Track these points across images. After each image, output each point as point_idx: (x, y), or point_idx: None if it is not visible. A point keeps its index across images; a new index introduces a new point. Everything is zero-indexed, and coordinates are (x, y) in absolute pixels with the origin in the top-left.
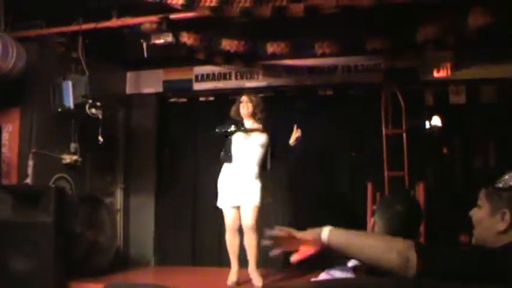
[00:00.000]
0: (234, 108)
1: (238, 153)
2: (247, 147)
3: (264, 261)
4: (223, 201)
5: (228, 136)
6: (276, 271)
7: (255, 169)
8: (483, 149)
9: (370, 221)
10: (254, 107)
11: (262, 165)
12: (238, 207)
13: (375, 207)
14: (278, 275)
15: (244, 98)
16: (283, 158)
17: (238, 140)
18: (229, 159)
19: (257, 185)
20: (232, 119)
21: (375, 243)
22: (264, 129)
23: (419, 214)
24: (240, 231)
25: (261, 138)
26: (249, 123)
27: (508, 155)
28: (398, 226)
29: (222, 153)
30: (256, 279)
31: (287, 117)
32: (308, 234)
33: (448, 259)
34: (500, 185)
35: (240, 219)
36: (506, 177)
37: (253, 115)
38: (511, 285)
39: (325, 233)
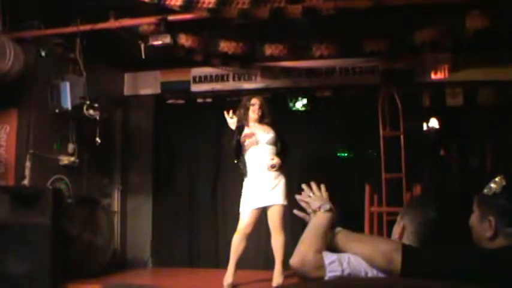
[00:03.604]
0: (242, 110)
1: (252, 159)
2: (257, 150)
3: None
4: (247, 204)
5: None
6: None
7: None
8: (480, 151)
9: (399, 225)
10: (264, 112)
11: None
12: (260, 210)
13: (373, 208)
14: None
15: (255, 102)
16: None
17: (248, 149)
18: (245, 173)
19: (280, 181)
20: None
21: (363, 247)
22: (272, 128)
23: (452, 221)
24: (249, 236)
25: (267, 136)
26: (254, 125)
27: (504, 157)
28: (430, 233)
29: (238, 163)
30: (276, 280)
31: (285, 119)
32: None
33: (434, 261)
34: (486, 192)
35: (254, 225)
36: (492, 184)
37: (261, 119)
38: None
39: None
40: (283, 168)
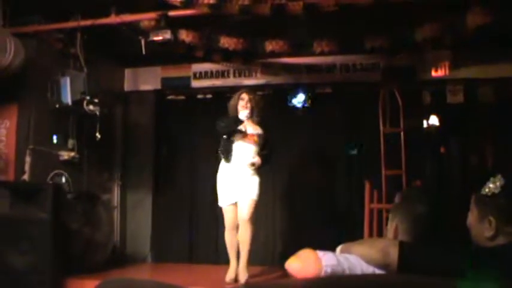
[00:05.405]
0: (232, 103)
1: (235, 152)
2: (242, 146)
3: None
4: (223, 200)
5: (229, 135)
6: (271, 268)
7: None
8: (480, 148)
9: (392, 225)
10: (253, 107)
11: (261, 161)
12: (236, 204)
13: (373, 205)
14: (274, 272)
15: (244, 97)
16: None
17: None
18: (228, 159)
19: (255, 180)
20: (231, 116)
21: (361, 247)
22: (261, 127)
23: (444, 215)
24: (237, 227)
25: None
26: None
27: (505, 154)
28: (422, 227)
29: (221, 150)
30: (242, 275)
31: (285, 115)
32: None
33: (431, 256)
34: (485, 192)
35: (237, 217)
36: (491, 184)
37: (251, 114)
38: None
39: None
40: (263, 168)
